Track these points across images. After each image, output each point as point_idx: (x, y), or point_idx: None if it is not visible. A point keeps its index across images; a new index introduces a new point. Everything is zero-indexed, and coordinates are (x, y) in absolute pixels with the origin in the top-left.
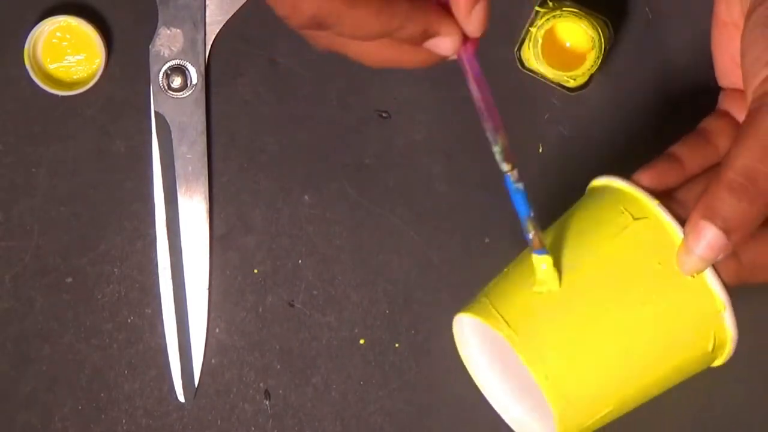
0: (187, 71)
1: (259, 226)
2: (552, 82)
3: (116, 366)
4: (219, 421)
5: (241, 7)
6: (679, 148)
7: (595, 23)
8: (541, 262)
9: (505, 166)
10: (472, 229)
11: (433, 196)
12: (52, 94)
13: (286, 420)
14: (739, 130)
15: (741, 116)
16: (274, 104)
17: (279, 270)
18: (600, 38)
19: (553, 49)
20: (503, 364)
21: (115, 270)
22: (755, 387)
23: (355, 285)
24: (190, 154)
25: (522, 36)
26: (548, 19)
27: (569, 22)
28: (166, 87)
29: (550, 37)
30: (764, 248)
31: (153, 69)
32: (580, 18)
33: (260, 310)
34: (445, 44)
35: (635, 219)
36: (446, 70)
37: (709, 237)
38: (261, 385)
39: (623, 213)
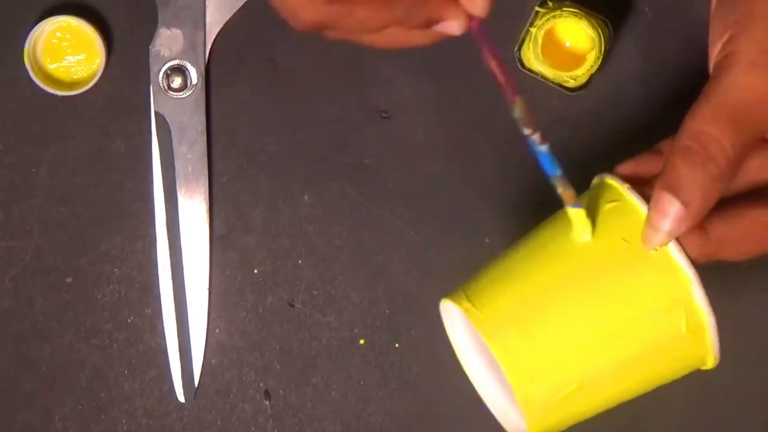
0: (187, 71)
1: (259, 226)
2: (552, 82)
3: (116, 366)
4: (219, 421)
5: (241, 7)
6: (663, 143)
7: (595, 23)
8: (575, 215)
9: (526, 130)
10: (472, 229)
11: (433, 196)
12: (52, 94)
13: (286, 420)
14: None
15: None
16: (274, 104)
17: (279, 270)
18: (600, 38)
19: (553, 49)
20: (491, 358)
21: (115, 270)
22: (755, 392)
23: (355, 285)
24: (190, 154)
25: (522, 36)
26: (548, 19)
27: (569, 22)
28: (166, 87)
29: (550, 37)
30: (732, 224)
31: (153, 69)
32: (580, 18)
33: (260, 310)
34: (451, 27)
35: (603, 201)
36: (446, 69)
37: (667, 207)
38: (261, 385)
39: (592, 198)
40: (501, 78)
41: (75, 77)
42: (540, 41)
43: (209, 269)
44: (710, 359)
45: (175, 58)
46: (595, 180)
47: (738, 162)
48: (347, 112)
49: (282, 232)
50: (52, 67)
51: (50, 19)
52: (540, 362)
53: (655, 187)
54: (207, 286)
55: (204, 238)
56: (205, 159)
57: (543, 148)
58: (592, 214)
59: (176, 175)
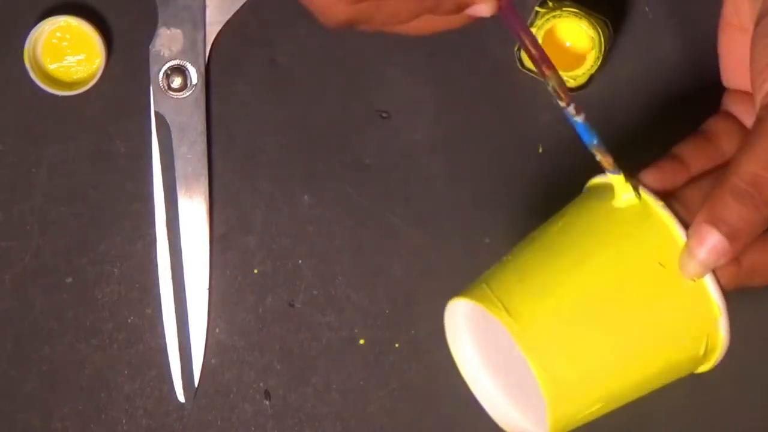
0: (187, 71)
1: (259, 226)
2: None
3: (116, 366)
4: (219, 421)
5: (241, 7)
6: (682, 149)
7: (595, 23)
8: (617, 181)
9: (561, 102)
10: (472, 229)
11: (433, 196)
12: (52, 94)
13: (286, 420)
14: (746, 137)
15: (746, 118)
16: (274, 104)
17: (279, 270)
18: (600, 38)
19: (553, 49)
20: (493, 357)
21: (115, 270)
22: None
23: (355, 285)
24: (190, 154)
25: None
26: (548, 19)
27: (569, 22)
28: (166, 87)
29: (550, 37)
30: (764, 252)
31: (153, 69)
32: (580, 18)
33: (260, 310)
34: (482, 9)
35: (640, 218)
36: (446, 69)
37: (712, 242)
38: (261, 385)
39: (627, 211)
40: (535, 53)
41: (75, 77)
42: (540, 41)
43: (209, 269)
44: (706, 368)
45: (175, 58)
46: (603, 179)
47: None
48: (347, 112)
49: (282, 232)
50: (52, 67)
51: (50, 19)
52: (576, 382)
53: (698, 218)
54: (207, 286)
55: (204, 238)
56: (205, 159)
57: (579, 119)
58: (616, 220)
59: (176, 175)
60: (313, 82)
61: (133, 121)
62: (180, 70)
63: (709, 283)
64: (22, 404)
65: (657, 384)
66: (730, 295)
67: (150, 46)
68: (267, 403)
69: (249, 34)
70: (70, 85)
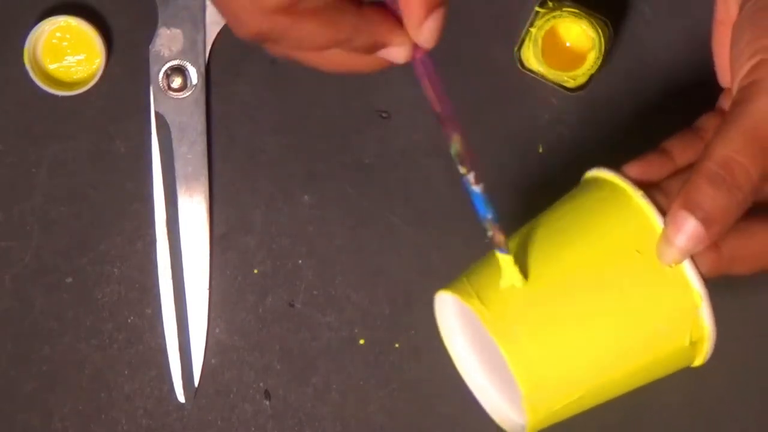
0: (187, 71)
1: (259, 226)
2: (552, 82)
3: (116, 366)
4: (219, 421)
5: None
6: (670, 143)
7: (595, 23)
8: (505, 262)
9: (461, 169)
10: (472, 229)
11: (433, 196)
12: (52, 94)
13: (286, 420)
14: (722, 122)
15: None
16: (274, 104)
17: (279, 270)
18: (600, 38)
19: (553, 49)
20: (483, 348)
21: (115, 270)
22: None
23: (355, 285)
24: (190, 154)
25: (522, 36)
26: (548, 19)
27: (569, 22)
28: (166, 87)
29: (550, 37)
30: (744, 240)
31: (153, 69)
32: (580, 18)
33: (260, 310)
34: (396, 54)
35: (618, 207)
36: (446, 69)
37: (688, 227)
38: (261, 385)
39: (606, 201)
40: (440, 113)
41: (75, 77)
42: (540, 41)
43: (209, 269)
44: (699, 361)
45: (175, 58)
46: (592, 173)
47: (760, 189)
48: (347, 112)
49: (282, 232)
50: (52, 67)
51: (50, 19)
52: (550, 369)
53: (674, 205)
54: (207, 286)
55: (204, 238)
56: (205, 159)
57: (477, 189)
58: (596, 210)
59: (176, 175)
60: (313, 82)
61: (133, 121)
62: (180, 70)
63: (688, 270)
64: (22, 404)
65: (646, 377)
66: (726, 292)
67: (150, 46)
68: (267, 403)
69: None
70: (70, 85)
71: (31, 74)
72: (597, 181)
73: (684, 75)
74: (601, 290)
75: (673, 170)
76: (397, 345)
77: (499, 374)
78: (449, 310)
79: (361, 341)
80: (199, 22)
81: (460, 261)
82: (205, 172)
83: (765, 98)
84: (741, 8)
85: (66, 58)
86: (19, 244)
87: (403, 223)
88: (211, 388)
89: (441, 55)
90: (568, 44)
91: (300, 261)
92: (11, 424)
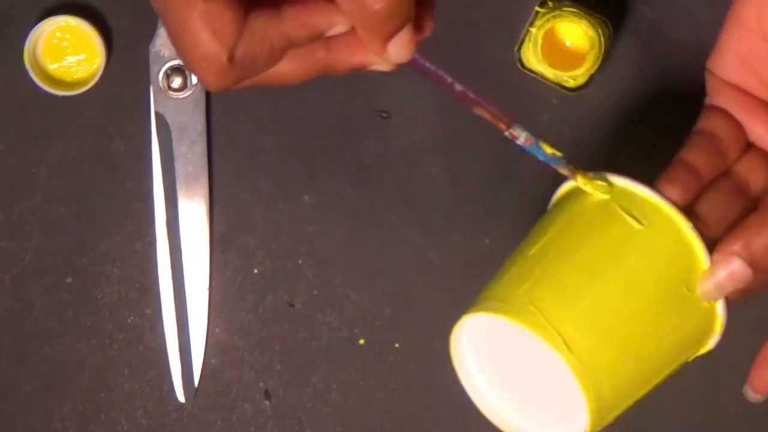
0: (187, 71)
1: (259, 226)
2: (552, 82)
3: (116, 366)
4: (219, 421)
5: None
6: (692, 156)
7: (595, 23)
8: (589, 185)
9: (506, 132)
10: (472, 229)
11: (433, 196)
12: (52, 94)
13: (286, 420)
14: None
15: (736, 112)
16: (274, 104)
17: (279, 270)
18: (600, 38)
19: (553, 49)
20: (502, 369)
21: (115, 270)
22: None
23: (355, 285)
24: (190, 154)
25: (522, 36)
26: (548, 19)
27: (569, 22)
28: (166, 87)
29: (550, 37)
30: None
31: (153, 69)
32: (580, 18)
33: (260, 310)
34: (382, 67)
35: (672, 242)
36: (446, 70)
37: (739, 273)
38: (261, 385)
39: (658, 231)
40: (456, 95)
41: (75, 77)
42: (540, 41)
43: (209, 269)
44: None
45: (175, 58)
46: (625, 183)
47: None
48: (347, 112)
49: (282, 232)
50: (52, 67)
51: (50, 19)
52: (613, 403)
53: (729, 250)
54: (207, 286)
55: (204, 238)
56: (205, 159)
57: (520, 141)
58: (641, 237)
59: (176, 175)
60: (313, 82)
61: (133, 121)
62: (180, 70)
63: (720, 307)
64: (22, 404)
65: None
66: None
67: (150, 46)
68: (267, 403)
69: None
70: (70, 85)
71: (31, 74)
72: (635, 198)
73: (684, 75)
74: (657, 326)
75: (701, 188)
76: (397, 345)
77: (523, 395)
78: (472, 327)
79: (361, 341)
80: None
81: (460, 261)
82: (205, 172)
83: None
84: None
85: (66, 58)
86: (19, 244)
87: (403, 223)
88: (211, 388)
89: (441, 55)
90: (568, 44)
91: (300, 261)
92: (11, 424)
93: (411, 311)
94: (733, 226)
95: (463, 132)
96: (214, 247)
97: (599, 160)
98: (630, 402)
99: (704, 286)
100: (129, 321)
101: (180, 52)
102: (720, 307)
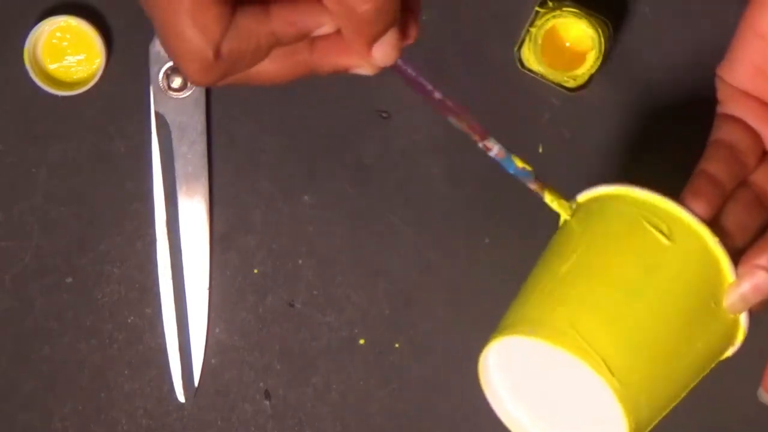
0: None
1: (259, 226)
2: (552, 82)
3: (116, 366)
4: (219, 421)
5: None
6: (714, 167)
7: (595, 23)
8: (556, 204)
9: (476, 140)
10: (472, 229)
11: (433, 196)
12: (52, 94)
13: (286, 420)
14: None
15: (750, 119)
16: (274, 104)
17: (279, 270)
18: (600, 38)
19: (553, 49)
20: (530, 387)
21: (115, 270)
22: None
23: (355, 285)
24: (190, 154)
25: (522, 36)
26: (548, 19)
27: (569, 22)
28: (166, 87)
29: (550, 37)
30: None
31: (153, 69)
32: (580, 18)
33: (260, 310)
34: (365, 71)
35: (699, 256)
36: (446, 69)
37: (762, 284)
38: (261, 385)
39: (684, 247)
40: (434, 104)
41: (75, 77)
42: (540, 41)
43: (209, 269)
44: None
45: None
46: (646, 195)
47: None
48: (347, 112)
49: (282, 232)
50: (52, 67)
51: (50, 19)
52: (649, 421)
53: (755, 264)
54: (207, 286)
55: (204, 238)
56: (205, 159)
57: (493, 154)
58: (664, 250)
59: (176, 175)
60: (313, 83)
61: (133, 121)
62: (180, 70)
63: (743, 318)
64: (22, 404)
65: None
66: None
67: (150, 46)
68: (267, 403)
69: None
70: (70, 85)
71: (31, 74)
72: (655, 210)
73: (684, 75)
74: (689, 342)
75: (725, 199)
76: (397, 345)
77: (537, 405)
78: (500, 350)
79: (361, 341)
80: None
81: (460, 261)
82: (205, 172)
83: None
84: None
85: (66, 58)
86: (19, 244)
87: (403, 223)
88: (211, 388)
89: (441, 54)
90: (568, 44)
91: (300, 261)
92: (11, 424)
93: (411, 311)
94: (756, 238)
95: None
96: (214, 247)
97: (599, 161)
98: (660, 417)
99: (730, 298)
100: (129, 321)
101: (166, 47)
102: (743, 318)
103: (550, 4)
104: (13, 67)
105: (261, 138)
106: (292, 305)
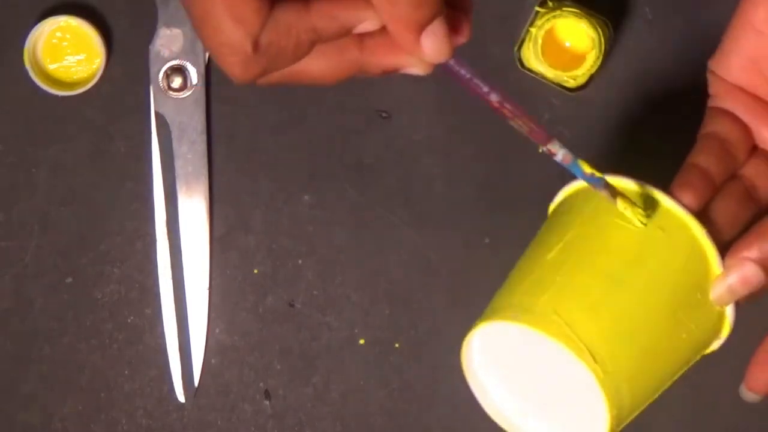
0: (187, 71)
1: (259, 226)
2: (552, 82)
3: (116, 366)
4: (219, 421)
5: None
6: (704, 159)
7: (595, 23)
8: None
9: (541, 148)
10: (472, 229)
11: (433, 196)
12: (52, 94)
13: (286, 420)
14: None
15: (740, 113)
16: (274, 104)
17: (279, 270)
18: (600, 38)
19: (553, 49)
20: (513, 374)
21: (115, 270)
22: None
23: (355, 285)
24: (190, 154)
25: (522, 36)
26: (548, 19)
27: (569, 22)
28: (166, 87)
29: (550, 37)
30: None
31: (153, 69)
32: (580, 18)
33: (260, 310)
34: (417, 70)
35: (687, 247)
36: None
37: (750, 276)
38: (261, 385)
39: (673, 237)
40: (496, 106)
41: (75, 77)
42: (540, 41)
43: (209, 269)
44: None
45: (175, 58)
46: (636, 186)
47: None
48: (347, 112)
49: (282, 232)
50: (52, 67)
51: (50, 19)
52: (631, 410)
53: (742, 256)
54: (207, 286)
55: (204, 238)
56: (205, 159)
57: (559, 158)
58: (657, 241)
59: (176, 175)
60: None
61: (133, 121)
62: (180, 70)
63: (729, 310)
64: (22, 404)
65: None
66: None
67: (150, 46)
68: (267, 403)
69: None
70: (70, 85)
71: (31, 74)
72: (648, 201)
73: (684, 75)
74: (674, 333)
75: (714, 191)
76: (397, 345)
77: (519, 391)
78: (484, 334)
79: (361, 341)
80: None
81: (460, 261)
82: (205, 172)
83: None
84: None
85: (66, 58)
86: (19, 244)
87: (403, 223)
88: (211, 388)
89: None
90: (568, 44)
91: (300, 261)
92: (11, 424)
93: (411, 311)
94: (744, 230)
95: (463, 132)
96: (214, 247)
97: (599, 160)
98: (643, 407)
99: (717, 290)
100: (129, 321)
101: (204, 41)
102: (729, 311)
103: (550, 4)
104: (13, 67)
105: (261, 138)
106: (292, 305)
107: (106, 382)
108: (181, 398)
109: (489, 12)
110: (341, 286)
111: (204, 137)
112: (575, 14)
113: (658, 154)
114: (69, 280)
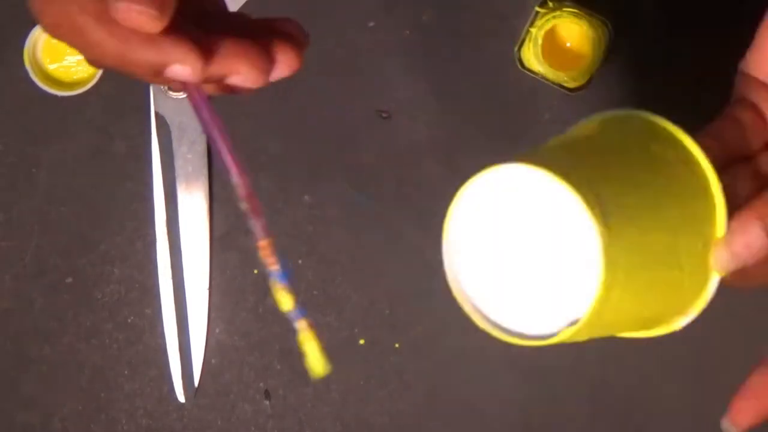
0: None
1: None
2: (552, 82)
3: (116, 366)
4: (219, 421)
5: (241, 8)
6: (719, 131)
7: (595, 23)
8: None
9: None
10: None
11: (433, 196)
12: (52, 94)
13: (286, 420)
14: None
15: (766, 108)
16: (274, 104)
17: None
18: (600, 38)
19: (553, 49)
20: (490, 253)
21: (115, 270)
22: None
23: (355, 285)
24: (190, 154)
25: (522, 36)
26: (548, 19)
27: (569, 22)
28: (166, 87)
29: (550, 37)
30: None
31: None
32: (580, 18)
33: (260, 310)
34: (181, 71)
35: (704, 191)
36: (446, 69)
37: (753, 240)
38: (261, 385)
39: (693, 173)
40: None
41: (75, 77)
42: (540, 41)
43: (209, 269)
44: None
45: None
46: (678, 134)
47: None
48: (347, 112)
49: (282, 232)
50: (52, 67)
51: None
52: (611, 323)
53: (747, 220)
54: (207, 286)
55: (204, 238)
56: (205, 159)
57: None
58: (677, 177)
59: (176, 175)
60: (314, 83)
61: (133, 121)
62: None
63: (712, 284)
64: (22, 404)
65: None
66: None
67: None
68: (267, 403)
69: None
70: (70, 85)
71: (31, 74)
72: (674, 143)
73: (684, 75)
74: (670, 247)
75: (724, 157)
76: (397, 345)
77: (501, 285)
78: (478, 194)
79: (361, 341)
80: None
81: None
82: (205, 171)
83: None
84: None
85: (66, 58)
86: (19, 244)
87: (403, 223)
88: (211, 388)
89: (441, 54)
90: (568, 44)
91: (300, 261)
92: (11, 424)
93: (411, 311)
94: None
95: (463, 132)
96: (214, 247)
97: None
98: (616, 329)
99: (719, 251)
100: (129, 321)
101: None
102: (711, 287)
103: (551, 4)
104: (13, 67)
105: (261, 138)
106: None
107: (106, 382)
108: (181, 398)
109: (489, 12)
110: (341, 286)
111: (204, 137)
112: (575, 14)
113: None
114: (69, 280)
